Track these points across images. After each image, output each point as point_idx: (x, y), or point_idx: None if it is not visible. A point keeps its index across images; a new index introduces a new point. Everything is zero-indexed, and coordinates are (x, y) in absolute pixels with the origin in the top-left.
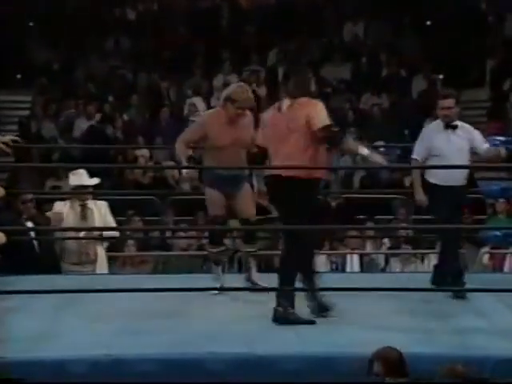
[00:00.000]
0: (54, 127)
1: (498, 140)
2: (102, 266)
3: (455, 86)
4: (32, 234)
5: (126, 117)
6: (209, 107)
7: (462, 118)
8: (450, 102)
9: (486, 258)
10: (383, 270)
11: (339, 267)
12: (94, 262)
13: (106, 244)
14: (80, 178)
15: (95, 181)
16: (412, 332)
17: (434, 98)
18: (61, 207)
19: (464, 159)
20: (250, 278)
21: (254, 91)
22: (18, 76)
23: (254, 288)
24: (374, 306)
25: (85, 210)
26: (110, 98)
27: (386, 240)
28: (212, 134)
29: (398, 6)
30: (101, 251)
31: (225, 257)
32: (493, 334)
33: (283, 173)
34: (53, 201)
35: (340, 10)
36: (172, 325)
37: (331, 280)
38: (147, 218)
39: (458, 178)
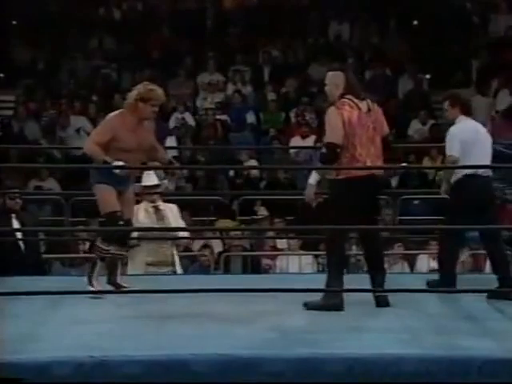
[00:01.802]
0: (37, 128)
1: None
2: (178, 267)
3: (441, 86)
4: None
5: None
6: (195, 109)
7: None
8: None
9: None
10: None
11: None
12: (172, 263)
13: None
14: (149, 177)
15: (165, 181)
16: (396, 332)
17: (420, 99)
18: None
19: None
20: (114, 281)
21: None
22: (1, 75)
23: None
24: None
25: (159, 211)
26: (94, 98)
27: None
28: (120, 136)
29: (384, 5)
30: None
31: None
32: (478, 334)
33: (376, 173)
34: (36, 201)
35: (325, 11)
36: (157, 326)
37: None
38: None
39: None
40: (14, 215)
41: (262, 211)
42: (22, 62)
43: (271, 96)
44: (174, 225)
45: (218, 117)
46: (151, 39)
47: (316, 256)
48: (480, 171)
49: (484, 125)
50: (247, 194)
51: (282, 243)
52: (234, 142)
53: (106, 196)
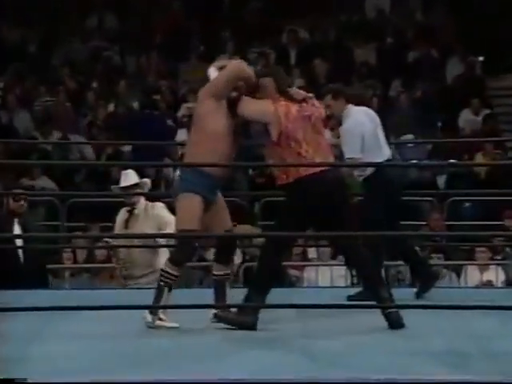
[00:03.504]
0: (28, 117)
1: None
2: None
3: (497, 70)
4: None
5: (111, 107)
6: None
7: (507, 107)
8: None
9: None
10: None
11: None
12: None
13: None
14: (127, 177)
15: (146, 180)
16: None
17: (472, 85)
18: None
19: None
20: None
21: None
22: None
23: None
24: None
25: (130, 217)
26: (94, 85)
27: None
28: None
29: None
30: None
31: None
32: None
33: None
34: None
35: None
36: (166, 345)
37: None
38: None
39: None
40: (16, 219)
41: None
42: (10, 44)
43: (298, 82)
44: (149, 230)
45: None
46: (159, 17)
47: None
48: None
49: None
50: (270, 196)
51: (312, 252)
52: (255, 134)
53: (190, 209)
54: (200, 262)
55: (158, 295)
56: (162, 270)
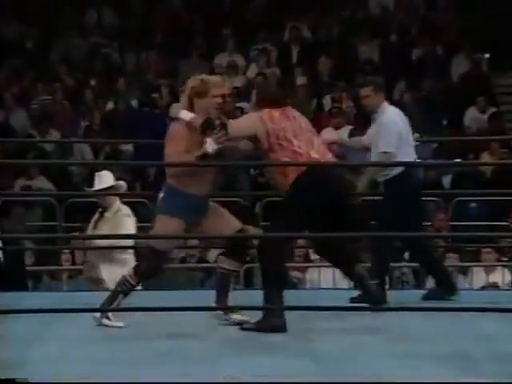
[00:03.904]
0: (25, 116)
1: None
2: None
3: (504, 67)
4: None
5: (110, 105)
6: None
7: (511, 105)
8: None
9: None
10: (417, 287)
11: None
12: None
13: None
14: (101, 179)
15: (121, 182)
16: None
17: (478, 82)
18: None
19: None
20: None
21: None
22: None
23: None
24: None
25: (100, 218)
26: (93, 83)
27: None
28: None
29: None
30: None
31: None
32: None
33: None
34: (23, 203)
35: None
36: (169, 349)
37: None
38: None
39: None
40: None
41: None
42: (7, 40)
43: (301, 80)
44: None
45: (237, 104)
46: (159, 13)
47: None
48: None
49: None
50: (272, 196)
51: (314, 253)
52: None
53: (166, 231)
54: (201, 264)
55: (112, 299)
56: (125, 277)
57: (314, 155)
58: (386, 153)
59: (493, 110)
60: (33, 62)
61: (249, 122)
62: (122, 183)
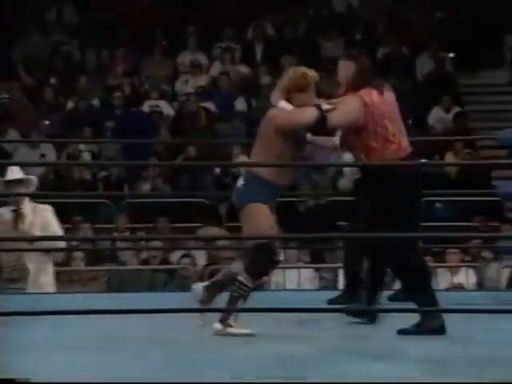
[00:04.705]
0: None
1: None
2: (42, 283)
3: (468, 66)
4: None
5: (70, 103)
6: (173, 95)
7: (478, 105)
8: None
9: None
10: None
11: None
12: (23, 278)
13: (56, 258)
14: (12, 170)
15: (32, 177)
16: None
17: (442, 82)
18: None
19: None
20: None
21: None
22: None
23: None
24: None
25: (17, 217)
26: (53, 81)
27: None
28: None
29: None
30: (35, 266)
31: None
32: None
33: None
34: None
35: None
36: (166, 347)
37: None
38: (98, 226)
39: None
40: None
41: None
42: None
43: (265, 79)
44: (38, 233)
45: (201, 104)
46: (121, 10)
47: (318, 269)
48: None
49: None
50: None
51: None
52: (220, 133)
53: (264, 219)
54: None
55: (231, 304)
56: (237, 280)
57: (404, 145)
58: None
59: (457, 109)
60: None
61: (351, 106)
62: (33, 178)
